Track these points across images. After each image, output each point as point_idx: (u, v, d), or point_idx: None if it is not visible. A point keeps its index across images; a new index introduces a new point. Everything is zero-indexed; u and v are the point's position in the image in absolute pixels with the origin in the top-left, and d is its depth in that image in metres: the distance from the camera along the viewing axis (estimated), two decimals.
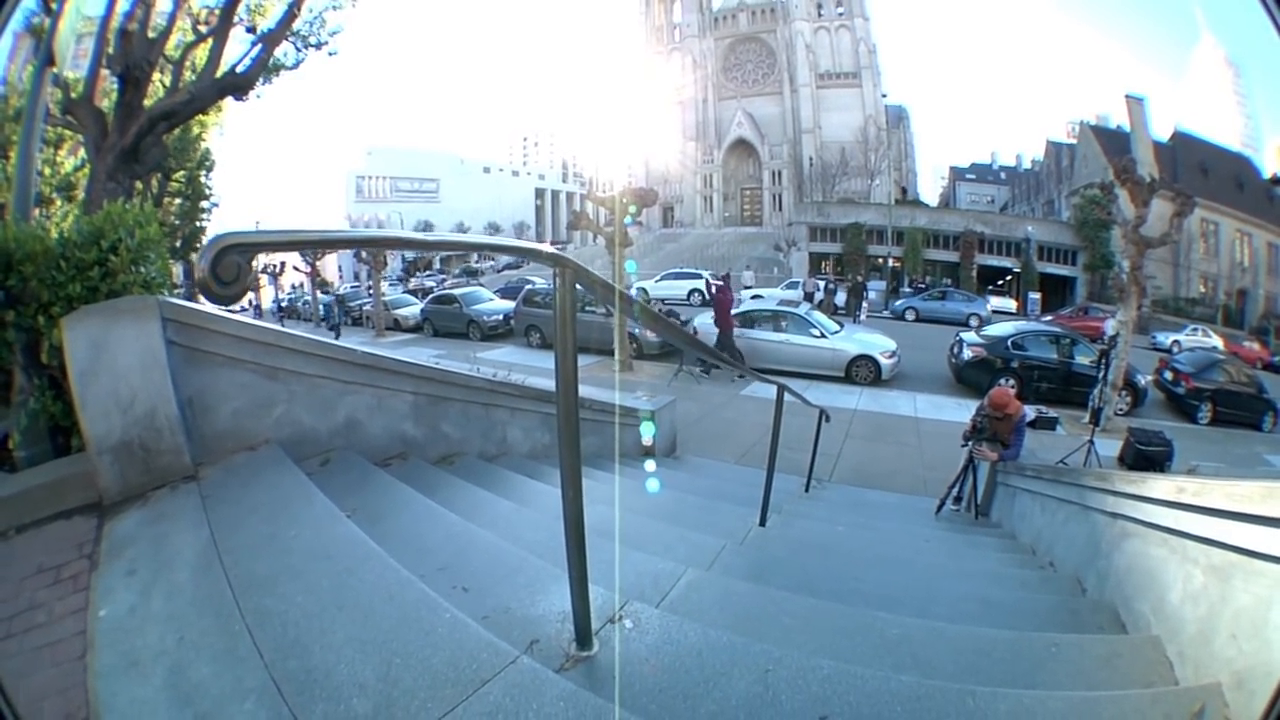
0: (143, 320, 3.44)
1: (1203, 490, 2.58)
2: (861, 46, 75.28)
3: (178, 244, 33.61)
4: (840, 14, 76.02)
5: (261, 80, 14.95)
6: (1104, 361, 13.50)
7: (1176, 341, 32.42)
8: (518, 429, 6.44)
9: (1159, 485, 3.06)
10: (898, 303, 37.56)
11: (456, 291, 28.12)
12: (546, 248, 2.17)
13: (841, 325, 19.73)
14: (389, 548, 2.76)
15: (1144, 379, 17.37)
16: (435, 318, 26.44)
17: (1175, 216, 15.22)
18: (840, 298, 34.19)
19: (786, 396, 5.53)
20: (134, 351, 3.39)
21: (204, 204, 33.07)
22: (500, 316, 24.51)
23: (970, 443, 7.88)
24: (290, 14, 14.29)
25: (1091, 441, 11.33)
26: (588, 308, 19.98)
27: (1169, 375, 18.41)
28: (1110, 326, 15.02)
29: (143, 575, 2.67)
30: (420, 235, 2.40)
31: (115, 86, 11.65)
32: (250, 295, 50.78)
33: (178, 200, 30.62)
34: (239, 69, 13.73)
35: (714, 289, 19.47)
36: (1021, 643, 2.85)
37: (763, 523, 5.01)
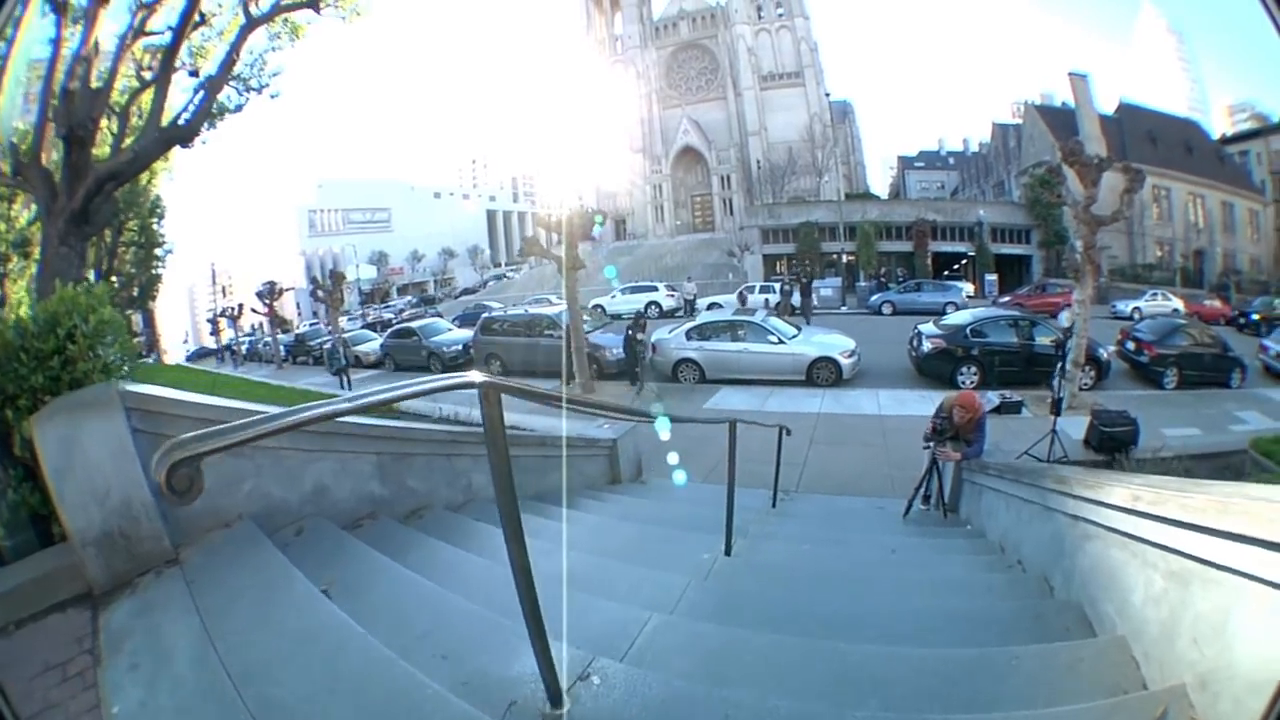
0: (107, 413, 3.49)
1: (1158, 500, 2.63)
2: (803, 45, 75.72)
3: (135, 293, 33.57)
4: (780, 14, 76.40)
5: (206, 126, 14.85)
6: (1061, 353, 13.47)
7: (1137, 308, 32.84)
8: (481, 474, 6.41)
9: (1115, 491, 3.12)
10: (873, 298, 37.51)
11: (415, 324, 28.09)
12: (468, 375, 2.20)
13: (799, 329, 19.81)
14: (370, 621, 2.86)
15: (1106, 351, 17.63)
16: (395, 352, 26.20)
17: (1126, 193, 15.43)
18: (797, 298, 33.83)
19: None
20: (103, 444, 3.43)
21: (158, 251, 33.03)
22: (460, 346, 24.24)
23: (933, 445, 7.95)
24: (230, 58, 14.23)
25: (1054, 431, 11.36)
26: (546, 332, 20.12)
27: (1131, 345, 18.72)
28: (1065, 318, 15.10)
29: (145, 669, 2.74)
30: (353, 404, 2.17)
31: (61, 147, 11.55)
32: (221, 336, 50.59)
33: (132, 249, 30.24)
34: (181, 120, 13.66)
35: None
36: (982, 661, 2.91)
37: (728, 551, 5.05)
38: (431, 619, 3.13)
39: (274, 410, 4.28)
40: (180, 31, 13.15)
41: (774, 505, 8.21)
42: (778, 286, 37.37)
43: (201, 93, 13.88)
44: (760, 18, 76.87)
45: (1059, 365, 12.97)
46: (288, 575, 3.31)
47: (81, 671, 2.84)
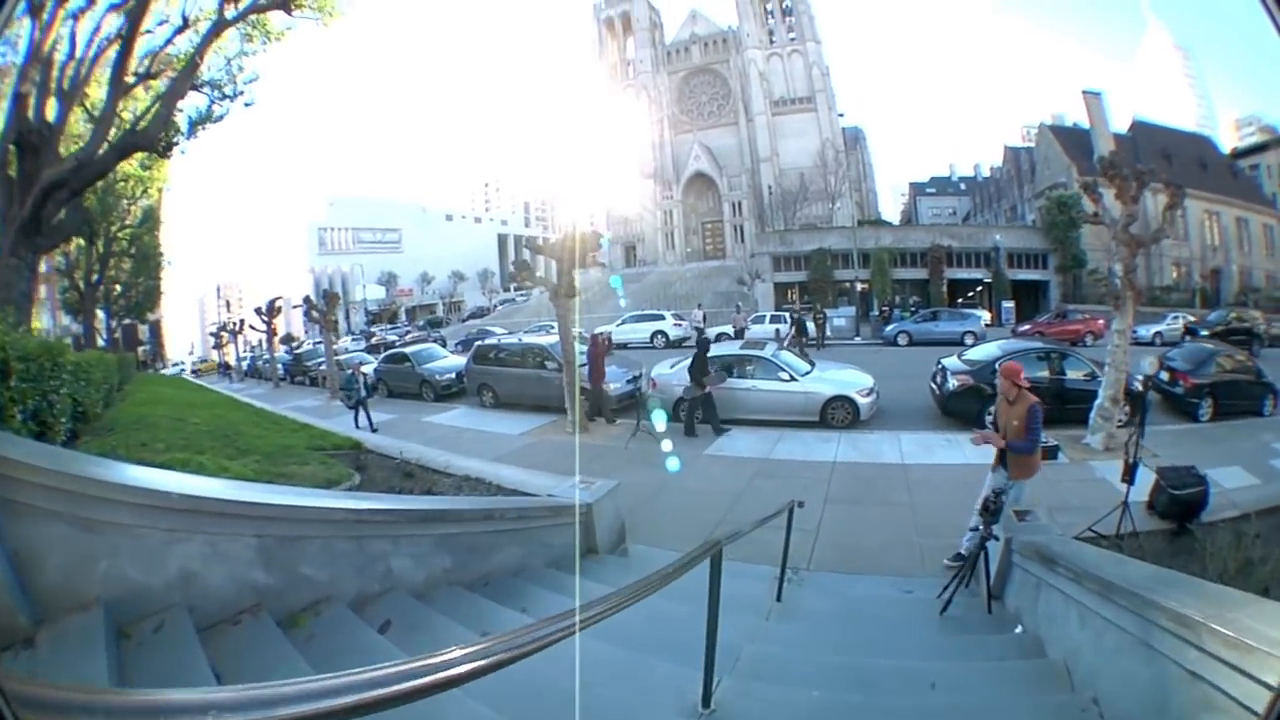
0: None
1: None
2: (815, 70, 75.17)
3: (133, 303, 33.90)
4: (792, 39, 75.95)
5: (185, 135, 14.22)
6: (1140, 404, 11.48)
7: (1158, 333, 31.66)
8: (405, 558, 5.08)
9: None
10: (888, 327, 36.30)
11: (408, 349, 26.95)
12: None
13: (813, 364, 18.31)
14: None
15: (1138, 383, 16.35)
16: (389, 378, 24.85)
17: (1168, 209, 14.81)
18: (811, 328, 32.17)
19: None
20: None
21: (154, 262, 33.39)
22: (453, 375, 23.02)
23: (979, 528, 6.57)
24: (194, 62, 13.45)
25: (1126, 504, 9.27)
26: (544, 363, 18.99)
27: (1165, 375, 17.45)
28: (1147, 365, 13.73)
29: None
30: None
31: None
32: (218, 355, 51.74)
33: (126, 260, 30.67)
34: (139, 127, 13.09)
35: (590, 341, 18.32)
36: None
37: (705, 702, 3.75)
38: None
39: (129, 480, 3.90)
40: (130, 37, 12.35)
41: (779, 598, 6.71)
42: (788, 316, 35.88)
43: (158, 102, 13.19)
44: (772, 42, 76.46)
45: (1138, 420, 10.87)
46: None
47: None
